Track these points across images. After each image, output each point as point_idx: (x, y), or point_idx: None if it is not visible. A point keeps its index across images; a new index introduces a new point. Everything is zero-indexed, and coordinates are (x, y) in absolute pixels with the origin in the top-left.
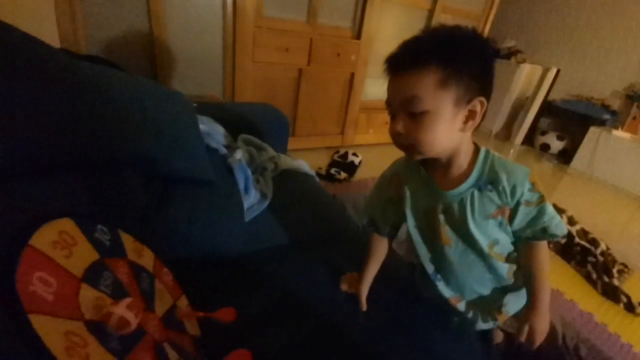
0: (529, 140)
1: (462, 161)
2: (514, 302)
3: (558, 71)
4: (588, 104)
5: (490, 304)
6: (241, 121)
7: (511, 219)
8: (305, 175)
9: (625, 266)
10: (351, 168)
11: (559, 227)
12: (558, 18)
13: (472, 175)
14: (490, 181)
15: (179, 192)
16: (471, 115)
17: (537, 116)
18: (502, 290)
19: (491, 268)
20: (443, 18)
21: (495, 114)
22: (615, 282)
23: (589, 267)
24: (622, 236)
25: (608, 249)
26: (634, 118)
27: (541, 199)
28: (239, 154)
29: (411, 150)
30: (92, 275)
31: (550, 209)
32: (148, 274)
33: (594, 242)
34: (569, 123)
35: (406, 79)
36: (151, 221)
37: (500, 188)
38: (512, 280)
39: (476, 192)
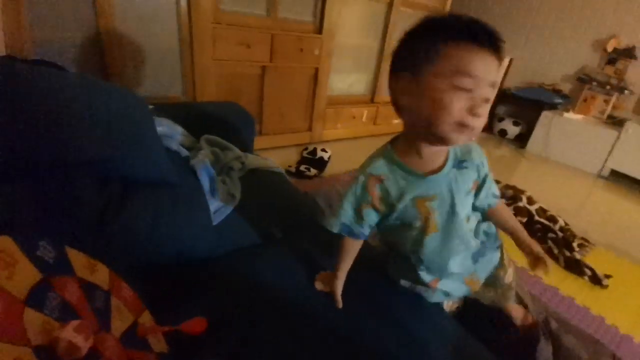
0: (488, 127)
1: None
2: (483, 268)
3: (511, 60)
4: (540, 89)
5: (464, 276)
6: (204, 121)
7: (478, 191)
8: (274, 174)
9: (586, 240)
10: (321, 164)
11: (496, 188)
12: (510, 8)
13: (450, 156)
14: (463, 158)
15: (140, 194)
16: None
17: (494, 104)
18: (473, 260)
19: (468, 244)
20: (402, 11)
21: None
22: (577, 255)
23: (550, 242)
24: (580, 212)
25: (566, 224)
26: (585, 100)
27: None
28: (202, 155)
29: (466, 136)
30: (36, 297)
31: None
32: (102, 291)
33: (552, 219)
34: (523, 109)
35: (495, 61)
36: (109, 226)
37: (474, 163)
38: (478, 247)
39: (456, 171)
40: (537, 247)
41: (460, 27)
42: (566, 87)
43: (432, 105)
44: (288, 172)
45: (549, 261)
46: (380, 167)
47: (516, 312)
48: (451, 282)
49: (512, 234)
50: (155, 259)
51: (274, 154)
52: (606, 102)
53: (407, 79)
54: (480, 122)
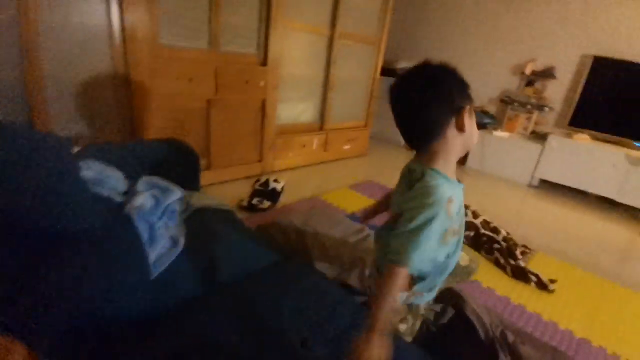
0: None
1: None
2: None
3: None
4: None
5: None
6: (143, 161)
7: None
8: (222, 212)
9: (527, 247)
10: (274, 195)
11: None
12: (438, 40)
13: None
14: None
15: (64, 249)
16: None
17: None
18: None
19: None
20: (342, 43)
21: None
22: (521, 263)
23: (496, 253)
24: (517, 221)
25: (508, 234)
26: (510, 119)
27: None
28: (139, 200)
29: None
30: None
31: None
32: None
33: (496, 230)
34: None
35: None
36: (23, 297)
37: None
38: None
39: None
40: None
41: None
42: (492, 109)
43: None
44: (240, 206)
45: None
46: (448, 189)
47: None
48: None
49: None
50: (83, 322)
51: (225, 188)
52: (528, 119)
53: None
54: None
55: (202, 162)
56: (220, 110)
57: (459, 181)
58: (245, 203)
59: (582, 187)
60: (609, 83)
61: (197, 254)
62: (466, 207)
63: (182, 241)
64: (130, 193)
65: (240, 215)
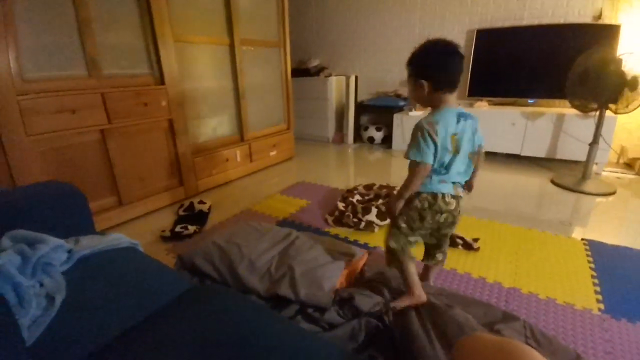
0: (358, 137)
1: None
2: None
3: (356, 77)
4: (386, 97)
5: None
6: (12, 213)
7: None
8: (122, 251)
9: None
10: (201, 217)
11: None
12: (343, 34)
13: None
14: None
15: None
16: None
17: (356, 116)
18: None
19: (467, 167)
20: (245, 50)
21: (325, 123)
22: None
23: None
24: None
25: None
26: None
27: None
28: (0, 260)
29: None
30: None
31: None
32: None
33: None
34: (380, 116)
35: None
36: None
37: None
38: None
39: (464, 121)
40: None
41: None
42: (404, 91)
43: None
44: (163, 237)
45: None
46: (432, 118)
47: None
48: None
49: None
50: None
51: (146, 222)
52: None
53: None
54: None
55: (111, 200)
56: (120, 139)
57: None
58: (167, 233)
59: (491, 149)
60: (495, 51)
61: (82, 309)
62: (392, 188)
63: (59, 299)
64: None
65: (164, 246)
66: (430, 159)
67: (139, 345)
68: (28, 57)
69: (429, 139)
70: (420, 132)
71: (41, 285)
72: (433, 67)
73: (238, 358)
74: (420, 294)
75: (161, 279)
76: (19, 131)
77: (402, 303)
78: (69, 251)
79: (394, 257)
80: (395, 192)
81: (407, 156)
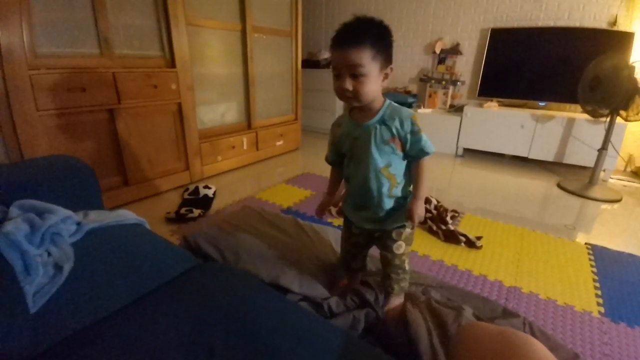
0: None
1: (376, 105)
2: (381, 210)
3: None
4: (396, 93)
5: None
6: (21, 185)
7: (404, 146)
8: (129, 227)
9: (456, 211)
10: (206, 202)
11: (430, 147)
12: None
13: (379, 114)
14: (389, 118)
15: None
16: (386, 76)
17: None
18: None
19: (380, 184)
20: (256, 37)
21: (333, 116)
22: (451, 227)
23: (429, 222)
24: (449, 189)
25: (438, 202)
26: (430, 96)
27: (419, 131)
28: (8, 227)
29: (353, 100)
30: None
31: (424, 137)
32: None
33: (427, 201)
34: None
35: (351, 51)
36: None
37: (395, 123)
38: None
39: (379, 125)
40: (419, 208)
41: (335, 40)
42: (414, 88)
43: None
44: (168, 219)
45: (416, 220)
46: (340, 119)
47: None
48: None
49: (414, 184)
50: None
51: (151, 203)
52: (445, 94)
53: None
54: (354, 91)
55: (117, 179)
56: (129, 120)
57: (360, 123)
58: (172, 215)
59: (499, 151)
60: (508, 51)
61: (89, 279)
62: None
63: (67, 268)
64: (2, 220)
65: (169, 228)
66: None
67: (141, 318)
68: (41, 32)
69: None
70: (418, 122)
71: (49, 254)
72: (391, 41)
73: (242, 335)
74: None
75: (167, 255)
76: (30, 106)
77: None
78: (78, 223)
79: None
80: (417, 194)
81: (429, 150)
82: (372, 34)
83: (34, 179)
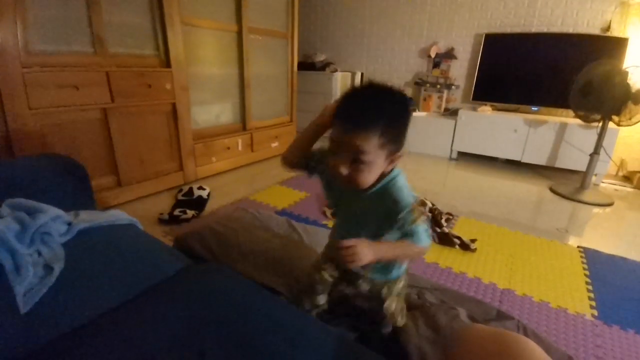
0: None
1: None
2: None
3: (362, 74)
4: None
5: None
6: (12, 183)
7: (389, 229)
8: (121, 228)
9: (451, 214)
10: (200, 203)
11: (424, 241)
12: (351, 32)
13: (376, 187)
14: (387, 197)
15: None
16: (392, 162)
17: None
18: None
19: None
20: (252, 38)
21: None
22: (446, 229)
23: None
24: (444, 191)
25: (433, 205)
26: (424, 99)
27: (415, 220)
28: None
29: (349, 184)
30: None
31: (421, 229)
32: None
33: (422, 203)
34: None
35: (357, 133)
36: None
37: (391, 205)
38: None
39: (376, 198)
40: (363, 249)
41: (342, 116)
42: (409, 91)
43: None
44: (161, 220)
45: (348, 257)
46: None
47: None
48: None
49: None
50: None
51: (144, 204)
52: (440, 98)
53: None
54: (350, 178)
55: (110, 180)
56: (122, 119)
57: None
58: (166, 216)
59: (492, 154)
60: (502, 56)
61: (80, 280)
62: None
63: (57, 268)
64: None
65: (161, 229)
66: None
67: (132, 319)
68: (35, 30)
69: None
70: (416, 212)
71: (39, 254)
72: (407, 124)
73: (234, 337)
74: None
75: (159, 256)
76: (22, 104)
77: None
78: (69, 223)
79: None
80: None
81: (422, 244)
82: (386, 116)
83: (25, 177)
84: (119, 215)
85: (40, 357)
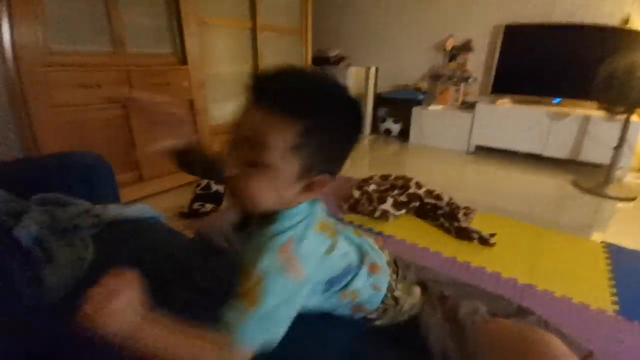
0: (375, 129)
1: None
2: None
3: (377, 69)
4: (406, 90)
5: None
6: (40, 180)
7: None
8: (146, 221)
9: (468, 208)
10: (217, 197)
11: (239, 339)
12: (365, 25)
13: (266, 219)
14: (255, 239)
15: None
16: (309, 188)
17: (374, 108)
18: None
19: None
20: (267, 35)
21: None
22: (464, 224)
23: (441, 219)
24: (460, 185)
25: (451, 199)
26: (441, 93)
27: (244, 294)
28: (28, 220)
29: (234, 197)
30: None
31: (245, 317)
32: None
33: (439, 197)
34: (398, 108)
35: (266, 115)
36: None
37: (248, 253)
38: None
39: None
40: None
41: (253, 85)
42: (425, 85)
43: None
44: (182, 214)
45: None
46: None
47: None
48: None
49: None
50: None
51: (165, 198)
52: (457, 91)
53: None
54: (240, 184)
55: (132, 175)
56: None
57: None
58: (185, 209)
59: (511, 147)
60: (522, 48)
61: (109, 271)
62: (409, 180)
63: (88, 259)
64: (21, 215)
65: (181, 222)
66: None
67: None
68: (56, 29)
69: None
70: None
71: (70, 246)
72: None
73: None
74: None
75: (183, 248)
76: (45, 102)
77: None
78: (97, 216)
79: None
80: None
81: (240, 346)
82: (322, 112)
83: (54, 173)
84: (145, 209)
85: (68, 346)
